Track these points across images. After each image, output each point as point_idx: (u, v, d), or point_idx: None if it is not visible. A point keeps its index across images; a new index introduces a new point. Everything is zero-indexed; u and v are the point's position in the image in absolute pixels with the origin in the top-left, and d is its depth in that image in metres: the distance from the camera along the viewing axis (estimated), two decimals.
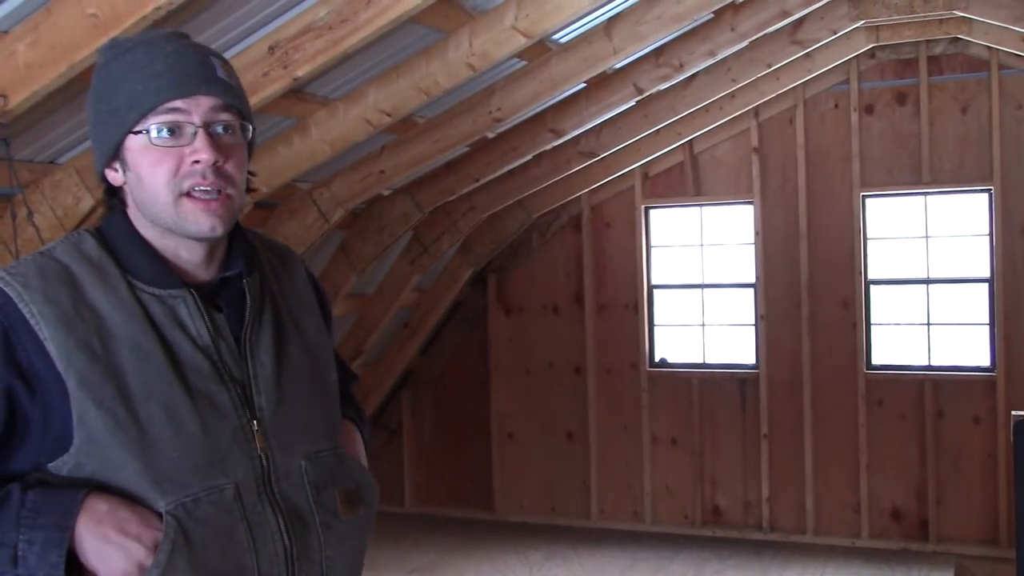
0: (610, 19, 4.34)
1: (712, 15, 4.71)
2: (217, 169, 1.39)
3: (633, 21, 4.28)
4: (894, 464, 6.24)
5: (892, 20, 5.26)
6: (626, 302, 6.81)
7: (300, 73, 3.34)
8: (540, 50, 4.45)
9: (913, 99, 6.13)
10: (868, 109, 6.24)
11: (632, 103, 5.45)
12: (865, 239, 6.29)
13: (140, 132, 1.38)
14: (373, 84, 4.11)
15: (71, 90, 3.06)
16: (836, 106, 6.31)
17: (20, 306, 1.33)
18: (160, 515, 1.31)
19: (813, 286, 6.35)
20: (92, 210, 3.54)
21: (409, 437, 7.44)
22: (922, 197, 6.21)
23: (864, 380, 6.27)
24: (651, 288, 6.81)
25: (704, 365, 6.74)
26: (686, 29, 4.73)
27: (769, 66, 5.60)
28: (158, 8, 2.61)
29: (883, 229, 6.34)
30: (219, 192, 1.39)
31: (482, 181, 5.59)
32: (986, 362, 6.11)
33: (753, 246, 6.51)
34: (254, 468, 1.40)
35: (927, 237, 6.24)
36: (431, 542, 6.65)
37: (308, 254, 4.98)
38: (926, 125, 6.09)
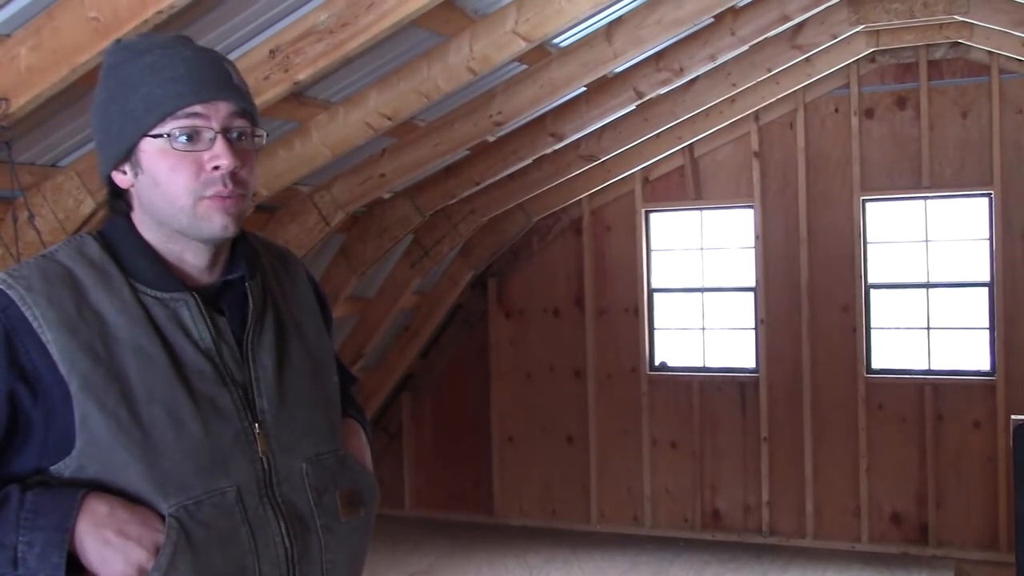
0: (610, 23, 4.34)
1: (712, 19, 4.72)
2: (234, 175, 1.40)
3: (633, 25, 4.29)
4: (894, 468, 6.24)
5: (892, 24, 5.26)
6: (626, 306, 6.82)
7: (301, 77, 3.34)
8: (541, 54, 4.46)
9: (913, 103, 6.14)
10: (868, 113, 6.25)
11: (632, 107, 5.46)
12: (865, 243, 6.29)
13: (159, 136, 1.38)
14: (374, 88, 4.12)
15: (73, 93, 3.07)
16: (836, 110, 6.31)
17: (23, 309, 1.33)
18: (162, 517, 1.32)
19: (813, 290, 6.36)
20: (93, 213, 3.54)
21: (409, 440, 7.44)
22: (922, 201, 6.22)
23: (864, 384, 6.27)
24: (651, 292, 6.82)
25: (704, 369, 6.74)
26: (686, 33, 4.73)
27: (769, 70, 5.61)
28: (160, 12, 2.62)
29: (883, 233, 6.34)
30: (234, 195, 1.41)
31: (482, 185, 5.60)
32: (986, 366, 6.11)
33: (753, 250, 6.52)
34: (255, 471, 1.41)
35: (927, 241, 6.25)
36: (431, 545, 6.65)
37: (309, 257, 4.99)
38: (926, 129, 6.09)
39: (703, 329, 6.78)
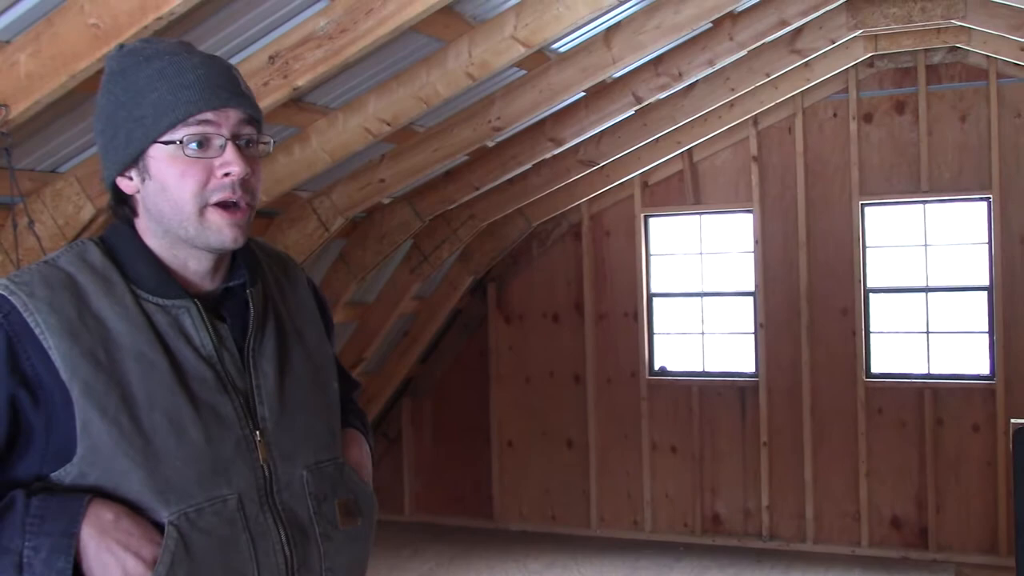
0: (609, 29, 4.35)
1: (711, 25, 4.72)
2: (244, 182, 1.40)
3: (632, 31, 4.30)
4: (894, 472, 6.24)
5: (890, 29, 5.27)
6: (626, 310, 6.82)
7: (300, 83, 3.35)
8: (539, 59, 4.46)
9: (912, 108, 6.15)
10: (867, 118, 6.26)
11: (631, 112, 5.47)
12: (864, 247, 6.30)
13: (170, 142, 1.38)
14: (373, 93, 4.12)
15: (72, 100, 3.08)
16: (835, 115, 6.32)
17: (25, 315, 1.33)
18: (161, 528, 1.32)
19: (812, 294, 6.36)
20: (93, 219, 3.55)
21: (409, 445, 7.44)
22: (921, 205, 6.23)
23: (864, 388, 6.27)
24: (651, 296, 6.82)
25: (704, 373, 6.74)
26: (685, 38, 4.74)
27: (768, 75, 5.62)
28: (159, 18, 2.63)
29: (882, 237, 6.35)
30: (243, 204, 1.41)
31: (482, 190, 5.60)
32: (985, 370, 6.12)
33: (752, 254, 6.52)
34: (256, 478, 1.41)
35: (926, 245, 6.25)
36: (431, 550, 6.64)
37: (308, 263, 4.99)
38: (925, 134, 6.10)
39: (702, 333, 6.79)
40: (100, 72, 1.49)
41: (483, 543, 6.81)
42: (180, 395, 1.36)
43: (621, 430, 6.86)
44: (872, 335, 6.33)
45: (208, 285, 1.47)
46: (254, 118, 1.43)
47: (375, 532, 1.59)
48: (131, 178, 1.42)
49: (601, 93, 5.10)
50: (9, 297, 1.34)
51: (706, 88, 5.64)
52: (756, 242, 6.50)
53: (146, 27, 2.64)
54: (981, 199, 6.08)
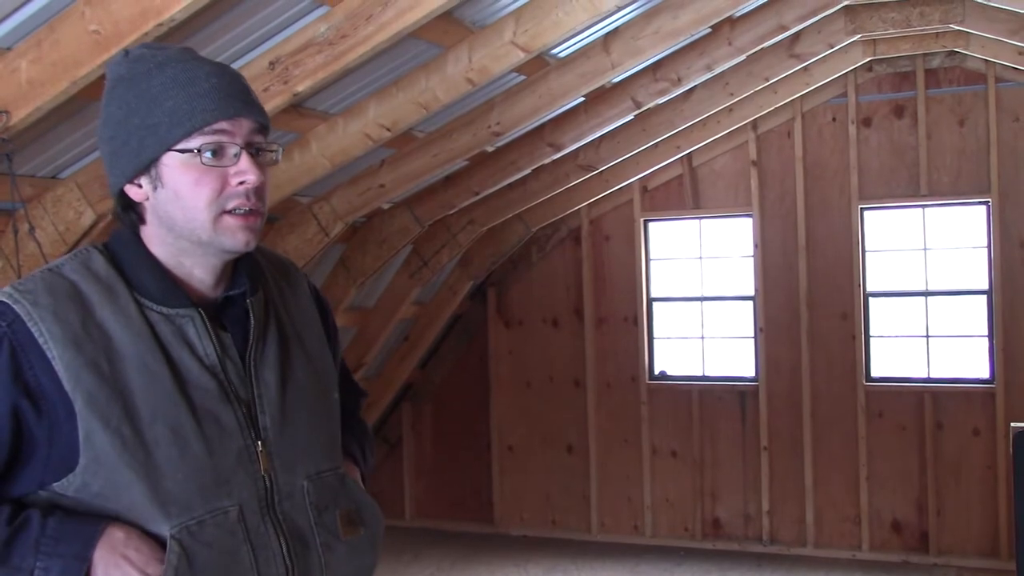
0: (608, 34, 4.36)
1: (710, 29, 4.73)
2: (256, 189, 1.41)
3: (631, 36, 4.31)
4: (894, 476, 6.24)
5: (889, 34, 5.28)
6: (625, 315, 6.82)
7: (300, 88, 3.36)
8: (539, 65, 4.47)
9: (911, 112, 6.16)
10: (866, 122, 6.26)
11: (631, 117, 5.47)
12: (864, 251, 6.30)
13: (185, 151, 1.37)
14: (373, 99, 4.13)
15: (73, 106, 3.09)
16: (834, 119, 6.33)
17: (29, 324, 1.32)
18: (164, 542, 1.32)
19: (812, 298, 6.37)
20: (94, 225, 3.55)
21: (409, 450, 7.44)
22: (920, 209, 6.24)
23: (864, 392, 6.27)
24: (650, 301, 6.83)
25: (704, 378, 6.74)
26: (684, 43, 4.75)
27: (767, 80, 5.63)
28: (160, 24, 2.63)
29: (881, 241, 6.36)
30: (255, 210, 1.42)
31: (481, 195, 5.61)
32: (985, 374, 6.12)
33: (752, 259, 6.53)
34: (257, 489, 1.41)
35: (925, 249, 6.26)
36: (431, 555, 6.64)
37: (308, 268, 4.99)
38: (923, 138, 6.11)
39: (702, 338, 6.79)
40: (101, 78, 1.49)
41: (484, 548, 6.80)
42: (182, 406, 1.36)
43: (621, 435, 6.86)
44: (872, 339, 6.34)
45: (212, 293, 1.47)
46: (264, 126, 1.44)
47: (380, 542, 1.58)
48: (140, 185, 1.42)
49: (600, 98, 5.11)
50: (13, 306, 1.34)
51: (705, 93, 5.65)
52: (756, 246, 6.50)
53: (147, 33, 2.64)
54: (980, 203, 6.08)
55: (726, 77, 5.53)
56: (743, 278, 6.62)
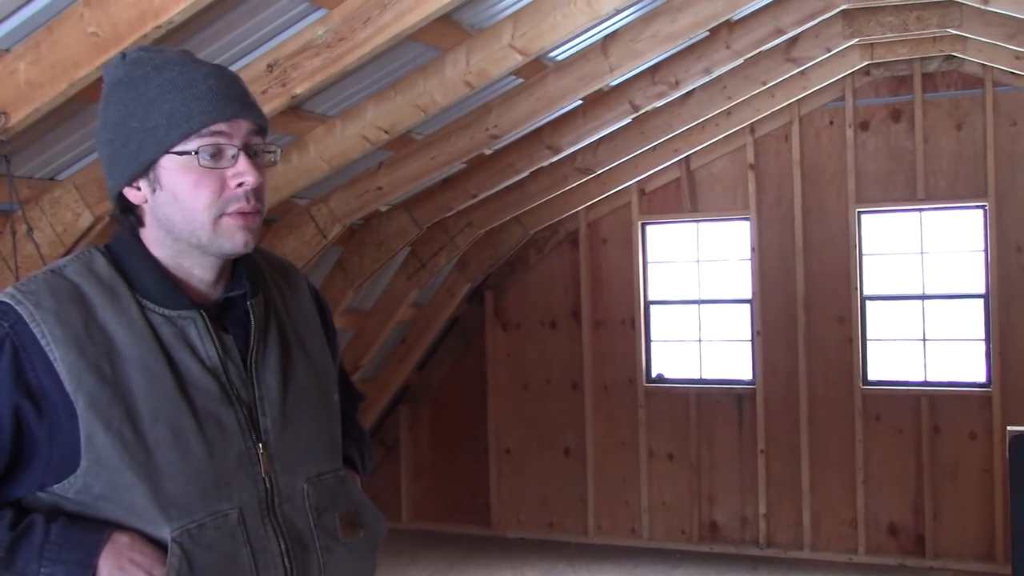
0: (606, 37, 4.37)
1: (707, 33, 4.75)
2: (255, 190, 1.41)
3: (629, 39, 4.32)
4: (891, 479, 6.24)
5: (886, 38, 5.29)
6: (623, 318, 6.83)
7: (298, 91, 3.36)
8: (537, 68, 4.48)
9: (908, 116, 6.17)
10: (863, 126, 6.28)
11: (628, 120, 5.48)
12: (861, 255, 6.31)
13: (183, 153, 1.37)
14: (371, 101, 4.14)
15: (71, 108, 3.09)
16: (831, 123, 6.34)
17: (31, 326, 1.33)
18: (165, 544, 1.33)
19: (809, 302, 6.37)
20: (91, 226, 3.56)
21: (406, 452, 7.44)
22: (917, 213, 6.24)
23: (860, 395, 6.28)
24: (648, 304, 6.83)
25: (701, 381, 6.75)
26: (682, 47, 4.76)
27: (764, 83, 5.64)
28: (158, 27, 2.64)
29: (879, 245, 6.37)
30: (254, 211, 1.42)
31: (479, 197, 5.61)
32: (982, 378, 6.13)
33: (749, 262, 6.54)
34: (258, 492, 1.41)
35: (922, 253, 6.27)
36: (428, 558, 6.64)
37: (306, 270, 5.00)
38: (921, 142, 6.12)
39: (700, 341, 6.80)
40: (100, 80, 1.48)
41: (481, 550, 6.80)
42: (183, 408, 1.36)
43: (618, 437, 6.86)
44: (869, 342, 6.34)
45: (212, 294, 1.47)
46: (262, 128, 1.44)
47: (380, 545, 1.59)
48: (139, 188, 1.42)
49: (598, 101, 5.11)
50: (15, 307, 1.34)
51: (703, 96, 5.66)
52: (753, 250, 6.51)
53: (145, 35, 2.65)
54: (977, 207, 6.09)
55: (724, 81, 5.54)
56: (740, 281, 6.62)
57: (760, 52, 5.14)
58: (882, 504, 6.26)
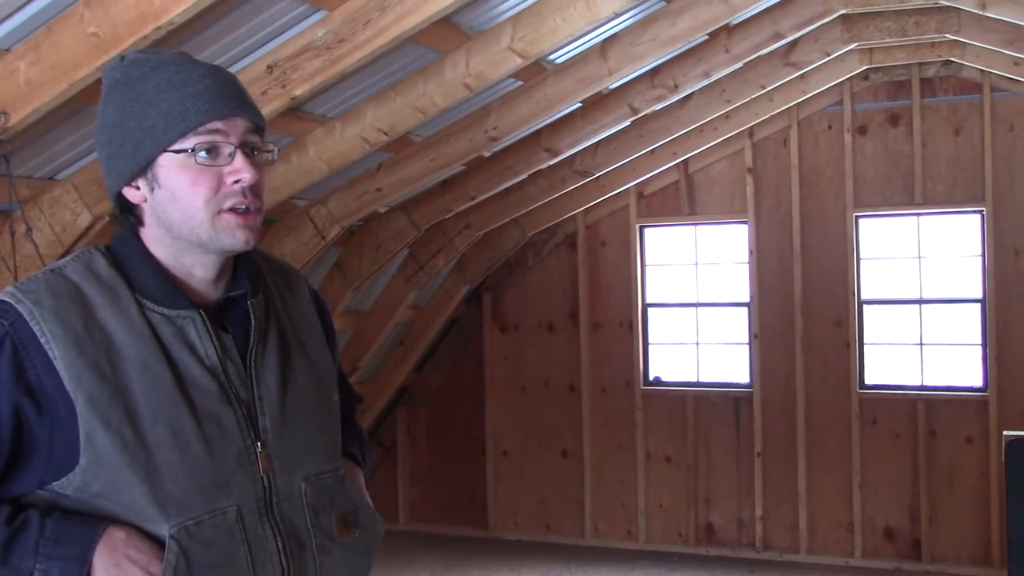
0: (605, 40, 4.38)
1: (707, 37, 4.75)
2: (253, 187, 1.42)
3: (628, 42, 4.33)
4: (887, 483, 6.25)
5: (885, 43, 5.30)
6: (621, 320, 6.83)
7: (298, 92, 3.37)
8: (536, 70, 4.49)
9: (906, 120, 6.18)
10: (861, 130, 6.29)
11: (627, 123, 5.49)
12: (858, 259, 6.32)
13: (180, 151, 1.39)
14: (370, 103, 4.14)
15: (71, 108, 3.10)
16: (830, 127, 6.35)
17: (31, 324, 1.34)
18: (163, 541, 1.33)
19: (807, 305, 6.38)
20: (90, 226, 3.56)
21: (404, 454, 7.44)
22: (915, 218, 6.26)
23: (857, 399, 6.29)
24: (646, 307, 6.84)
25: (698, 383, 6.76)
26: (681, 50, 4.77)
27: (763, 87, 5.65)
28: (159, 28, 2.65)
29: (876, 249, 6.38)
30: (253, 208, 1.43)
31: (478, 199, 5.62)
32: (978, 382, 6.13)
33: (747, 265, 6.54)
34: (256, 491, 1.42)
35: (920, 257, 6.28)
36: (425, 560, 6.64)
37: (305, 271, 5.00)
38: (919, 146, 6.14)
39: (697, 344, 6.80)
40: (99, 81, 1.49)
41: (478, 552, 6.80)
42: (183, 407, 1.37)
43: (616, 440, 6.87)
44: (866, 346, 6.35)
45: (212, 294, 1.47)
46: (259, 126, 1.45)
47: (376, 545, 1.59)
48: (138, 187, 1.43)
49: (597, 104, 5.12)
50: (16, 305, 1.35)
51: (702, 100, 5.67)
52: (751, 253, 6.52)
53: (145, 36, 2.66)
54: (974, 211, 6.11)
55: (723, 84, 5.55)
56: (738, 284, 6.63)
57: (759, 56, 5.16)
58: (878, 508, 6.27)
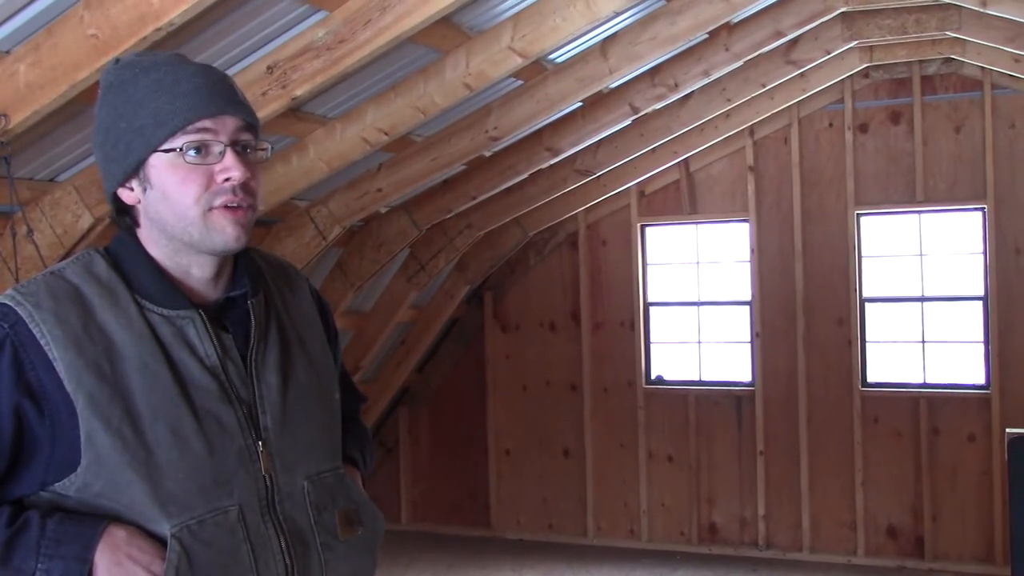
0: (606, 39, 4.38)
1: (707, 35, 4.75)
2: (244, 185, 1.42)
3: (628, 41, 4.32)
4: (890, 481, 6.25)
5: (885, 40, 5.30)
6: (622, 319, 6.83)
7: (298, 92, 3.37)
8: (536, 70, 4.49)
9: (907, 118, 6.18)
10: (862, 128, 6.28)
11: (628, 122, 5.49)
12: (860, 257, 6.32)
13: (169, 150, 1.39)
14: (371, 103, 4.14)
15: (71, 110, 3.10)
16: (830, 125, 6.35)
17: (31, 326, 1.34)
18: (165, 540, 1.33)
19: (808, 304, 6.38)
20: (91, 228, 3.56)
21: (406, 454, 7.44)
22: (916, 215, 6.25)
23: (859, 397, 6.28)
24: (647, 305, 6.84)
25: (700, 382, 6.75)
26: (681, 49, 4.76)
27: (764, 86, 5.64)
28: (158, 29, 2.64)
29: (878, 247, 6.37)
30: (245, 206, 1.42)
31: (479, 199, 5.62)
32: (981, 380, 6.13)
33: (749, 264, 6.54)
34: (258, 489, 1.42)
35: (921, 255, 6.27)
36: (428, 559, 6.64)
37: (306, 271, 5.00)
38: (920, 144, 6.13)
39: (699, 343, 6.80)
40: (99, 83, 1.50)
41: (480, 552, 6.80)
42: (183, 406, 1.37)
43: (618, 439, 6.86)
44: (868, 344, 6.35)
45: (211, 294, 1.48)
46: (251, 125, 1.45)
47: (379, 543, 1.59)
48: (132, 188, 1.44)
49: (598, 103, 5.12)
50: (15, 308, 1.36)
51: (702, 98, 5.67)
52: (752, 251, 6.51)
53: (145, 38, 2.65)
54: (976, 209, 6.10)
55: (723, 83, 5.55)
56: (740, 283, 6.63)
57: (759, 54, 5.15)
58: (881, 506, 6.26)
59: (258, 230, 4.86)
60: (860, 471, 6.27)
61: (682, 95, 5.35)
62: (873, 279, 6.35)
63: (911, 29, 5.00)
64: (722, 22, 4.40)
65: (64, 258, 3.04)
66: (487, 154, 5.24)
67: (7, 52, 2.85)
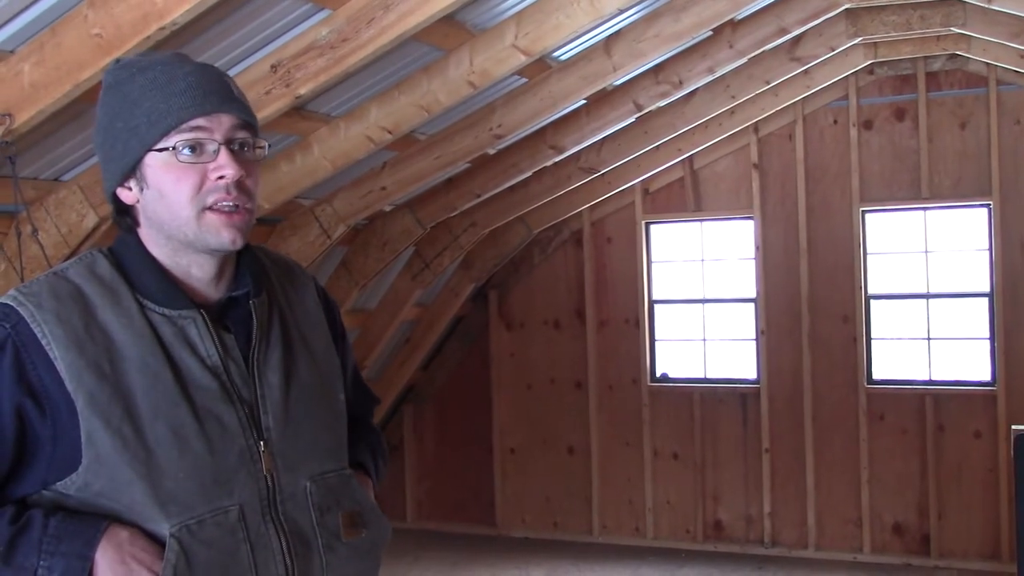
0: (609, 37, 4.37)
1: (711, 32, 4.74)
2: (239, 184, 1.41)
3: (632, 39, 4.32)
4: (895, 479, 6.24)
5: (890, 37, 5.29)
6: (627, 317, 6.83)
7: (302, 91, 3.37)
8: (540, 67, 4.48)
9: (912, 115, 6.16)
10: (867, 125, 6.27)
11: (632, 119, 5.48)
12: (865, 254, 6.30)
13: (163, 149, 1.39)
14: (375, 101, 4.14)
15: (75, 109, 3.10)
16: (835, 122, 6.34)
17: (32, 326, 1.35)
18: (163, 544, 1.33)
19: (813, 301, 6.37)
20: (96, 227, 3.56)
21: (411, 452, 7.45)
22: (921, 212, 6.24)
23: (865, 394, 6.28)
24: (652, 303, 6.83)
25: (705, 380, 6.75)
26: (685, 46, 4.76)
27: (768, 82, 5.63)
28: (162, 28, 2.64)
29: (883, 244, 6.36)
30: (240, 206, 1.42)
31: (483, 197, 5.62)
32: (987, 376, 6.12)
33: (753, 261, 6.53)
34: (259, 489, 1.42)
35: (927, 252, 6.26)
36: (433, 558, 6.65)
37: (310, 270, 5.00)
38: (925, 140, 6.12)
39: (704, 340, 6.79)
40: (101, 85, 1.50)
41: (485, 550, 6.81)
42: (183, 406, 1.37)
43: (623, 437, 6.86)
44: (873, 341, 6.34)
45: (213, 294, 1.48)
46: (248, 123, 1.45)
47: (383, 546, 1.58)
48: (130, 188, 1.44)
49: (602, 101, 5.12)
50: (17, 308, 1.36)
51: (706, 95, 5.66)
52: (757, 249, 6.51)
53: (148, 37, 2.65)
54: (981, 205, 6.09)
55: (727, 80, 5.54)
56: (744, 280, 6.62)
57: (764, 51, 5.14)
58: (887, 503, 6.25)
59: (262, 229, 4.86)
60: (866, 468, 6.27)
61: (686, 92, 5.34)
62: (878, 276, 6.34)
63: (916, 25, 4.99)
64: (726, 19, 4.40)
65: (69, 257, 3.06)
66: (491, 152, 5.24)
67: (11, 52, 2.85)
